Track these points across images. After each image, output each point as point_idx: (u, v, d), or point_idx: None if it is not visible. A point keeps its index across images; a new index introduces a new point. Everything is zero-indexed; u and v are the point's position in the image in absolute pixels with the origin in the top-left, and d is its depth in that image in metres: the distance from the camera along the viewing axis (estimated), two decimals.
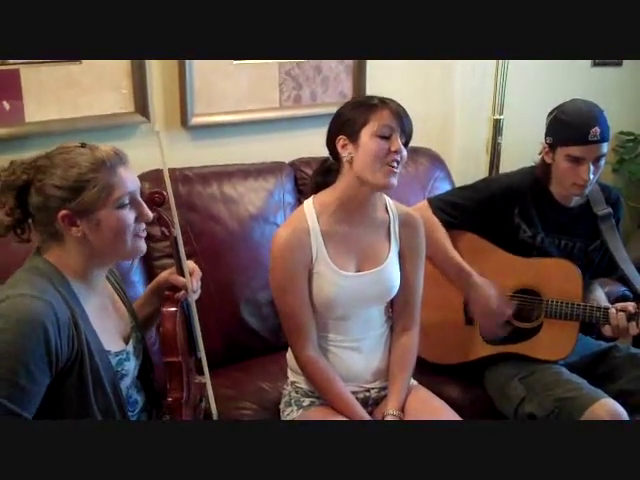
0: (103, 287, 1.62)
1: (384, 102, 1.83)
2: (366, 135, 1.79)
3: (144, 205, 1.54)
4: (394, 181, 1.81)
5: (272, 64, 2.66)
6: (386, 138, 1.79)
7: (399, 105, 1.84)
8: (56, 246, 1.50)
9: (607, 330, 2.11)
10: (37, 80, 2.22)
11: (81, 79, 2.29)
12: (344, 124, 1.84)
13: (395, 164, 1.79)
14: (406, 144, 1.83)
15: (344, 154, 1.83)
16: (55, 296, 1.43)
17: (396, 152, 1.79)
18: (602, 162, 2.11)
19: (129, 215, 1.50)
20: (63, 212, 1.45)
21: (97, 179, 1.45)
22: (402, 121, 1.80)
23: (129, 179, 1.50)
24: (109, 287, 1.67)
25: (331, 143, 1.87)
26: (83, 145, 1.49)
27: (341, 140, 1.83)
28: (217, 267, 2.34)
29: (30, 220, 1.52)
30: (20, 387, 1.34)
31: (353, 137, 1.81)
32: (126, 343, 1.62)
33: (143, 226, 1.55)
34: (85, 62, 2.28)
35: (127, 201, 1.50)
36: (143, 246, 1.57)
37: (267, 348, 2.41)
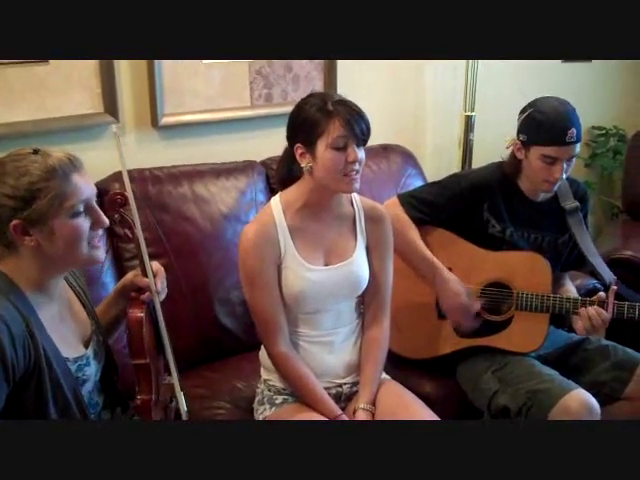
0: (60, 293, 1.59)
1: (337, 109, 1.78)
2: (321, 147, 1.79)
3: (100, 212, 1.51)
4: (356, 186, 1.83)
5: (242, 63, 2.65)
6: (341, 149, 1.78)
7: (352, 108, 1.80)
8: (10, 256, 1.47)
9: (579, 328, 2.14)
10: (4, 81, 2.20)
11: (49, 80, 2.28)
12: (300, 131, 1.83)
13: (354, 172, 1.80)
14: (364, 144, 1.82)
15: (303, 164, 1.83)
16: (7, 308, 1.40)
17: (353, 162, 1.78)
18: (574, 160, 2.14)
19: (84, 223, 1.47)
20: (15, 222, 1.42)
21: (49, 188, 1.41)
22: (355, 128, 1.77)
23: (83, 186, 1.47)
24: (68, 291, 1.64)
25: (291, 145, 1.87)
26: (36, 151, 1.45)
27: (299, 149, 1.83)
28: (189, 267, 2.33)
29: None
30: None
31: (309, 147, 1.81)
32: (86, 347, 1.60)
33: (100, 233, 1.53)
34: (52, 63, 2.26)
35: (82, 209, 1.47)
36: (100, 255, 1.54)
37: (241, 347, 2.40)
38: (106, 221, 1.52)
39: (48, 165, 1.43)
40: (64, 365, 1.50)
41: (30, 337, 1.41)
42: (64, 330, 1.56)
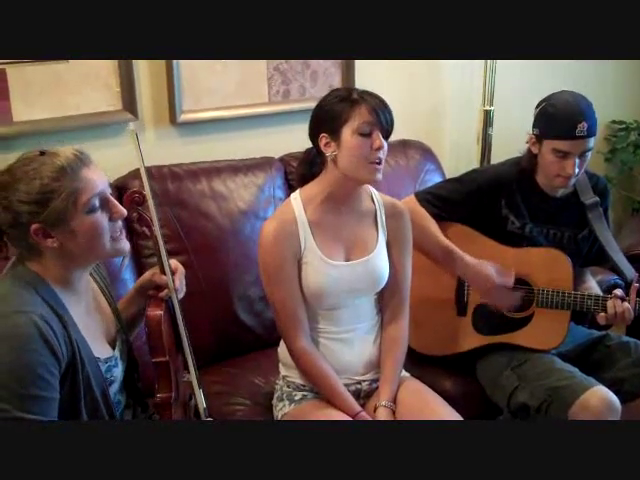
0: (87, 287, 1.60)
1: (363, 97, 1.82)
2: (347, 133, 1.80)
3: (115, 202, 1.51)
4: (379, 176, 1.84)
5: (260, 60, 2.64)
6: (367, 135, 1.80)
7: (378, 99, 1.84)
8: (35, 256, 1.48)
9: (602, 318, 2.11)
10: (24, 79, 2.22)
11: (68, 78, 2.29)
12: (325, 121, 1.85)
13: (378, 160, 1.81)
14: (387, 136, 1.84)
15: (327, 152, 1.85)
16: (44, 307, 1.42)
17: (378, 149, 1.80)
18: (588, 155, 2.11)
19: (102, 217, 1.48)
20: (35, 226, 1.42)
21: (61, 188, 1.41)
22: (380, 117, 1.80)
23: (95, 180, 1.46)
24: (94, 286, 1.66)
25: (314, 138, 1.88)
26: (42, 153, 1.45)
27: (323, 138, 1.84)
28: (208, 263, 2.34)
29: (5, 237, 1.48)
30: (44, 398, 1.37)
31: (334, 135, 1.82)
32: (113, 348, 1.62)
33: (119, 224, 1.53)
34: (71, 61, 2.27)
35: (97, 203, 1.47)
36: (124, 246, 1.55)
37: (260, 343, 2.41)
38: (123, 211, 1.52)
39: (56, 165, 1.43)
40: (95, 365, 1.51)
41: (67, 335, 1.43)
42: (93, 328, 1.57)
